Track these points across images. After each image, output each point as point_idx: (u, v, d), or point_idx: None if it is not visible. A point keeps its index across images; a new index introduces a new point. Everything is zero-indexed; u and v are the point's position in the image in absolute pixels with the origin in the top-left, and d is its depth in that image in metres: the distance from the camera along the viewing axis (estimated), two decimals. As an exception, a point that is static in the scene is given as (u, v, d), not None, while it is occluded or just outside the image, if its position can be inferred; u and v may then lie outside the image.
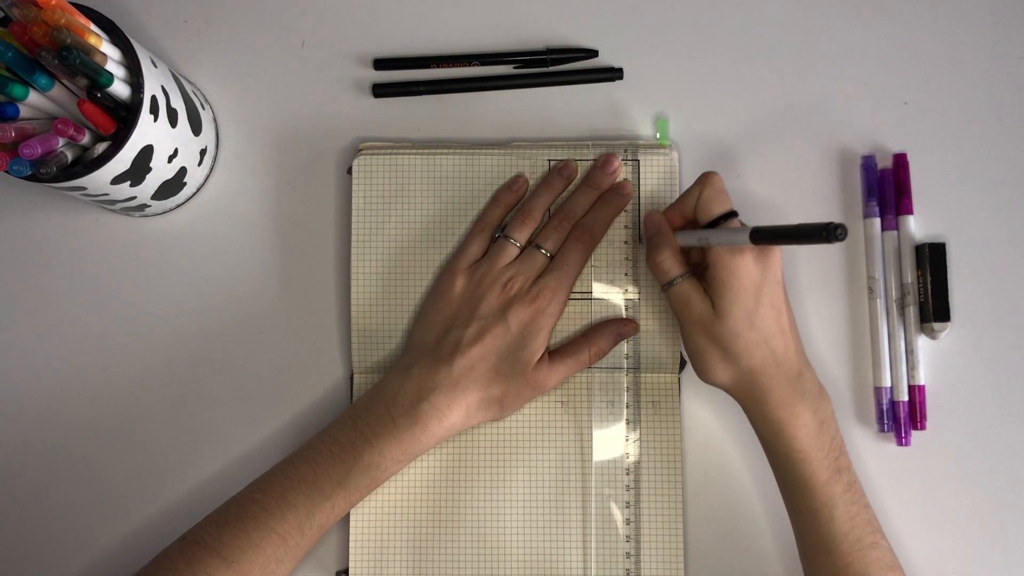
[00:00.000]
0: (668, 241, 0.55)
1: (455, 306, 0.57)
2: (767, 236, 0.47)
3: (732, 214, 0.53)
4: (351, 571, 0.59)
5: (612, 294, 0.60)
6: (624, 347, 0.60)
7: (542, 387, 0.57)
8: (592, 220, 0.58)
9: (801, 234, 0.44)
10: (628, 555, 0.59)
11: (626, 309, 0.59)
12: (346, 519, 0.59)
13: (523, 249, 0.58)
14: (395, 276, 0.60)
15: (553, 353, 0.58)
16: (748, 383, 0.52)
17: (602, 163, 0.59)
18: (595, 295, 0.60)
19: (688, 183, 0.61)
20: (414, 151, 0.60)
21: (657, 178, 0.60)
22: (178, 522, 0.55)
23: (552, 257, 0.58)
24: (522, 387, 0.56)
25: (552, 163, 0.60)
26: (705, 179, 0.54)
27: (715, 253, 0.51)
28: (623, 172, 0.60)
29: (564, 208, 0.59)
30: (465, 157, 0.60)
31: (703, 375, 0.54)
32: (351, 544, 0.59)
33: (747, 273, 0.51)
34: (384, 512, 0.59)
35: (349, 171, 0.61)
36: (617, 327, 0.59)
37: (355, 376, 0.60)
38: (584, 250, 0.58)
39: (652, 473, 0.59)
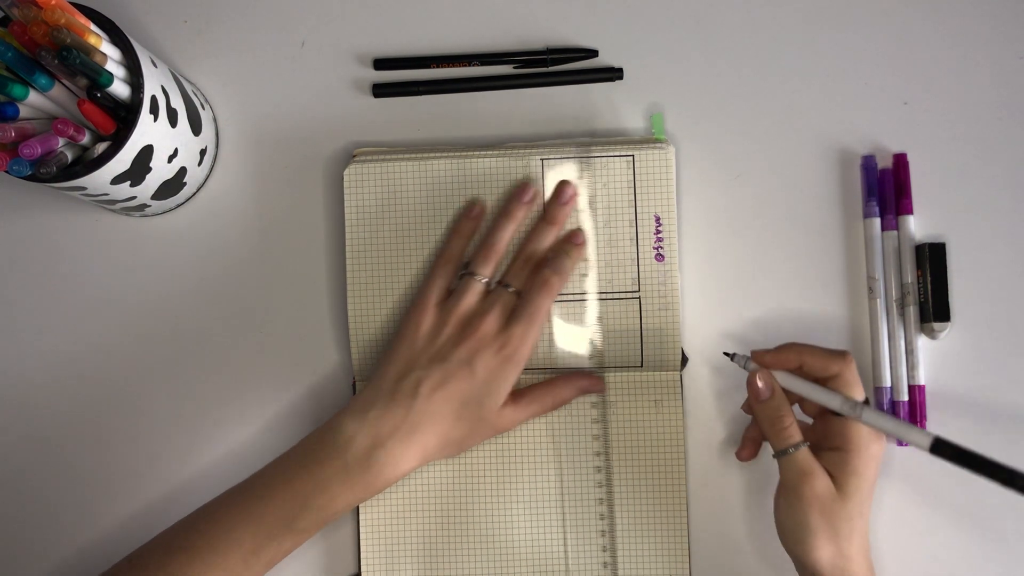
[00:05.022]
0: (786, 406, 0.53)
1: (420, 345, 0.55)
2: (954, 456, 0.46)
3: (866, 402, 0.52)
4: (363, 575, 0.59)
5: (616, 293, 0.60)
6: (591, 347, 0.60)
7: (503, 429, 0.57)
8: (555, 269, 0.57)
9: (1002, 476, 0.44)
10: (605, 564, 0.59)
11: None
12: (357, 523, 0.60)
13: (489, 283, 0.57)
14: (392, 285, 0.60)
15: (516, 395, 0.57)
16: (841, 569, 0.50)
17: (556, 194, 0.59)
18: (601, 294, 0.59)
19: (687, 181, 0.61)
20: (407, 156, 0.60)
21: (653, 174, 0.60)
22: (175, 515, 0.54)
23: (519, 294, 0.57)
24: (484, 431, 0.56)
25: (545, 162, 0.60)
26: (846, 361, 0.52)
27: (855, 435, 0.50)
28: (580, 185, 0.60)
29: (527, 248, 0.58)
30: (459, 161, 0.60)
31: (802, 551, 0.50)
32: (362, 548, 0.60)
33: (877, 464, 0.51)
34: (395, 515, 0.60)
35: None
36: (585, 383, 0.59)
37: (357, 385, 0.60)
38: (550, 297, 0.56)
39: (655, 472, 0.59)
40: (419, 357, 0.55)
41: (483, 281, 0.57)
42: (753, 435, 0.57)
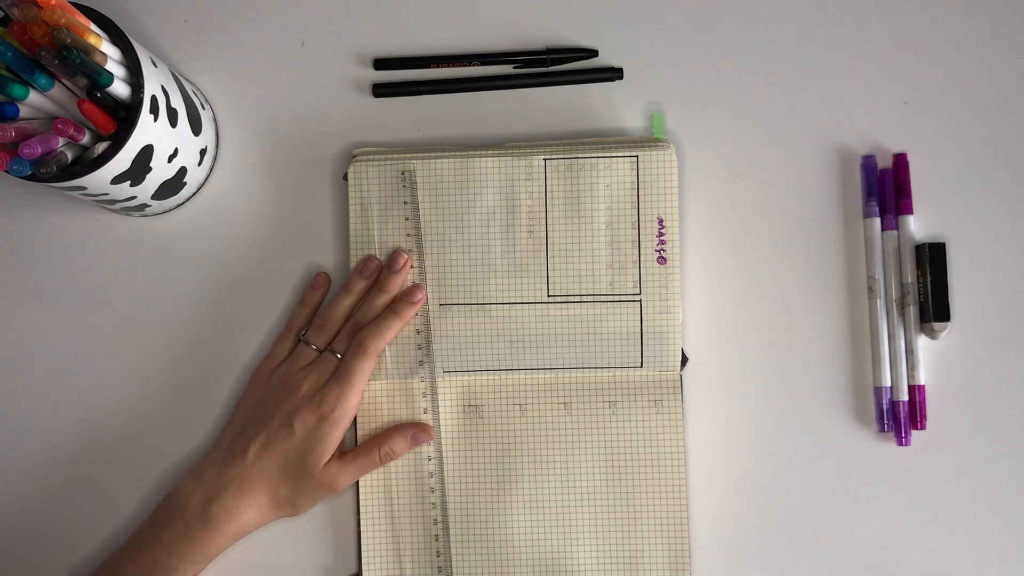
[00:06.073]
0: None
1: (251, 408, 0.59)
2: None
3: None
4: (363, 575, 0.60)
5: (617, 295, 0.59)
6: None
7: (332, 487, 0.58)
8: (372, 331, 0.58)
9: None
10: (439, 571, 0.60)
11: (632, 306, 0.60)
12: (358, 523, 0.60)
13: (320, 350, 0.59)
14: None
15: (345, 453, 0.58)
16: None
17: (389, 262, 0.59)
18: (604, 294, 0.59)
19: (688, 181, 0.61)
20: (408, 155, 0.60)
21: (657, 175, 0.59)
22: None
23: None
24: (312, 488, 0.57)
25: (548, 162, 0.60)
26: None
27: None
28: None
29: (357, 314, 0.59)
30: (460, 160, 0.60)
31: None
32: (363, 548, 0.60)
33: None
34: (395, 515, 0.60)
35: (345, 177, 0.61)
36: (414, 432, 0.59)
37: None
38: (365, 359, 0.57)
39: (655, 472, 0.59)
40: (249, 421, 0.58)
41: (314, 348, 0.59)
42: None
